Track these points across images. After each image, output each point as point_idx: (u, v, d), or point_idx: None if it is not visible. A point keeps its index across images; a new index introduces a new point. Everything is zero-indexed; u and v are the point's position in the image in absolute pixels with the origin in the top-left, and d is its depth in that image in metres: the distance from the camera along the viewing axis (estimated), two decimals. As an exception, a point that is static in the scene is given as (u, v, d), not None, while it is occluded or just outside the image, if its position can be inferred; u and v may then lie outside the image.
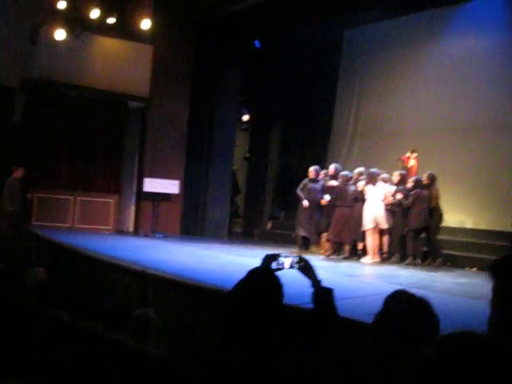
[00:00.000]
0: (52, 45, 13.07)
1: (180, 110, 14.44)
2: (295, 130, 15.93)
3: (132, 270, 7.43)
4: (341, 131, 15.16)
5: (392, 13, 13.27)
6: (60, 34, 13.01)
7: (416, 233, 10.02)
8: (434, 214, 10.09)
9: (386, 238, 10.31)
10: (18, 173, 12.26)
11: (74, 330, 3.37)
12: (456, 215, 11.75)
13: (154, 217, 13.94)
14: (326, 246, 11.09)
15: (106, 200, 13.91)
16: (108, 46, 13.96)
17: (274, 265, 3.02)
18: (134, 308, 5.45)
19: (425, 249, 10.23)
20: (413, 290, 2.27)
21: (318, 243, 11.16)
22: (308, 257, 3.12)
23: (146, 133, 14.33)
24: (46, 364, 2.87)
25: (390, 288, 2.28)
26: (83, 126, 13.76)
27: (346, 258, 10.41)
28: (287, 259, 3.03)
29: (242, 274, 2.58)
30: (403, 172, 10.73)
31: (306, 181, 11.24)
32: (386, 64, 14.19)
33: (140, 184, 14.09)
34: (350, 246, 10.56)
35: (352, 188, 10.49)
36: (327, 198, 10.79)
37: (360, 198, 10.32)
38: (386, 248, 10.33)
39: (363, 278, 8.63)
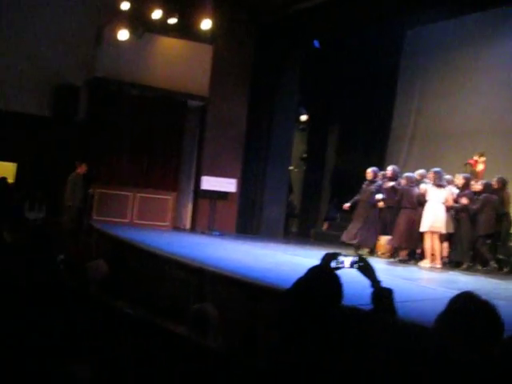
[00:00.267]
0: (115, 45, 13.39)
1: (238, 109, 14.54)
2: (353, 131, 15.79)
3: (190, 265, 7.53)
4: (400, 132, 14.92)
5: (454, 12, 12.95)
6: (123, 35, 13.32)
7: (486, 239, 9.67)
8: (505, 219, 9.75)
9: (445, 244, 10.04)
10: (82, 168, 12.60)
11: (135, 321, 3.45)
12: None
13: (210, 214, 14.09)
14: (383, 248, 10.95)
15: (165, 197, 14.14)
16: (169, 45, 14.20)
17: (333, 264, 3.01)
18: (191, 303, 5.53)
19: (500, 256, 9.88)
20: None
21: (372, 246, 10.97)
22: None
23: (205, 131, 14.50)
24: (108, 352, 2.96)
25: (449, 293, 2.24)
26: (144, 123, 14.03)
27: (402, 261, 10.18)
28: (347, 258, 3.02)
29: (298, 273, 2.58)
30: (467, 175, 10.35)
31: (365, 182, 11.10)
32: (447, 64, 13.89)
33: (197, 182, 14.27)
34: (409, 249, 10.32)
35: (416, 190, 10.25)
36: (379, 196, 10.61)
37: (422, 201, 10.05)
38: (445, 253, 10.08)
39: (421, 282, 8.47)
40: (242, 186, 14.51)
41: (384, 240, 10.95)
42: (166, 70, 14.02)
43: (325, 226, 15.41)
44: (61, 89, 13.56)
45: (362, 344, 2.61)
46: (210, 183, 13.92)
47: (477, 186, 9.98)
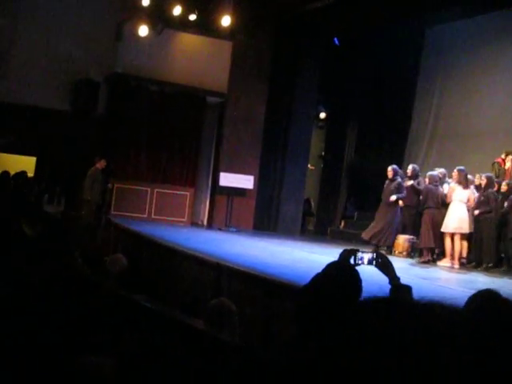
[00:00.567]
0: (135, 41, 13.47)
1: (257, 106, 14.54)
2: (372, 129, 15.72)
3: (207, 261, 7.56)
4: (419, 131, 14.83)
5: (474, 11, 12.83)
6: (143, 31, 13.39)
7: None
8: None
9: (465, 244, 9.95)
10: (101, 163, 12.68)
11: (153, 315, 3.48)
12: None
13: (228, 211, 14.12)
14: (400, 247, 10.88)
15: (182, 193, 14.19)
16: (188, 42, 14.24)
17: (351, 260, 3.00)
18: (208, 298, 5.55)
19: None
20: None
21: (389, 245, 10.90)
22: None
23: (223, 128, 14.53)
24: (127, 345, 2.99)
25: (468, 293, 2.22)
26: (163, 119, 14.09)
27: (425, 262, 10.07)
28: (365, 255, 3.00)
29: (315, 270, 2.57)
30: (490, 175, 10.15)
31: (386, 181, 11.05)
32: (467, 63, 13.77)
33: (215, 178, 14.30)
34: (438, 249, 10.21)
35: (440, 189, 10.12)
36: (393, 198, 10.57)
37: (447, 201, 9.90)
38: (464, 253, 9.98)
39: (439, 282, 8.42)
40: (259, 182, 14.51)
41: (402, 239, 10.88)
42: (186, 66, 14.06)
43: (342, 224, 15.37)
44: (81, 84, 13.66)
45: (381, 337, 2.59)
46: (227, 180, 13.95)
47: (503, 186, 9.81)
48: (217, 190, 14.30)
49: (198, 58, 14.18)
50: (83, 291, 4.59)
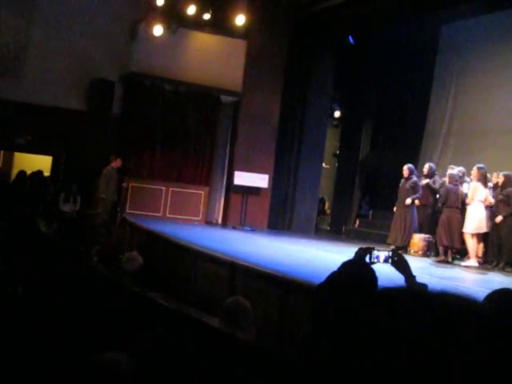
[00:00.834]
0: (150, 40, 13.51)
1: (272, 105, 14.53)
2: (387, 128, 15.65)
3: (221, 259, 7.57)
4: (435, 129, 14.72)
5: (490, 7, 12.72)
6: (158, 30, 13.43)
7: None
8: None
9: (481, 243, 9.87)
10: (116, 162, 12.74)
11: (168, 312, 3.49)
12: None
13: (242, 210, 14.14)
14: (416, 246, 10.82)
15: (197, 191, 14.22)
16: (203, 41, 14.26)
17: (367, 258, 2.99)
18: (222, 296, 5.56)
19: None
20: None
21: (405, 244, 10.85)
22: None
23: (238, 127, 14.53)
24: (144, 342, 2.99)
25: (484, 292, 2.20)
26: (178, 118, 14.12)
27: (445, 262, 9.99)
28: (381, 253, 2.99)
29: (330, 269, 2.57)
30: (508, 173, 9.96)
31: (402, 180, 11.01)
32: (484, 60, 13.64)
33: (230, 177, 14.32)
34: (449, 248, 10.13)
35: (460, 188, 10.00)
36: (408, 201, 10.54)
37: (467, 200, 9.78)
38: (480, 253, 9.91)
39: (455, 281, 8.36)
40: (274, 181, 14.51)
41: (417, 238, 10.82)
42: (200, 65, 14.08)
43: (357, 223, 15.32)
44: (96, 83, 13.74)
45: (394, 334, 2.58)
46: (242, 178, 13.96)
47: None
48: (231, 188, 14.32)
49: (212, 57, 14.19)
50: (99, 289, 4.62)
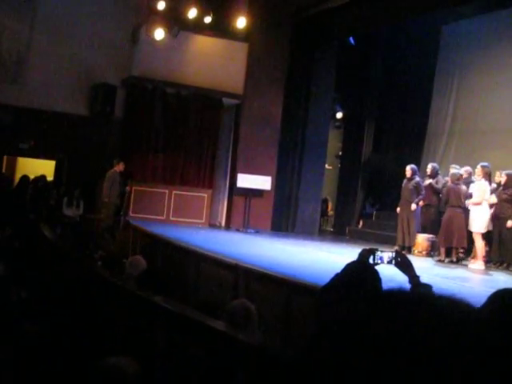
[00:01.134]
0: (151, 44, 13.53)
1: (273, 107, 14.54)
2: (389, 128, 15.65)
3: (225, 262, 7.57)
4: (437, 129, 14.70)
5: (491, 6, 12.70)
6: (159, 34, 13.44)
7: None
8: None
9: (484, 243, 9.82)
10: (119, 166, 12.75)
11: (173, 316, 3.49)
12: None
13: (245, 212, 14.14)
14: (420, 246, 10.81)
15: (200, 194, 14.22)
16: (204, 44, 14.28)
17: (371, 259, 2.98)
18: (226, 298, 5.56)
19: None
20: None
21: (410, 244, 10.84)
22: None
23: (240, 129, 14.55)
24: (149, 345, 3.00)
25: (488, 292, 2.19)
26: (180, 122, 14.15)
27: (453, 262, 9.95)
28: (385, 254, 2.98)
29: (334, 270, 2.57)
30: (510, 172, 9.82)
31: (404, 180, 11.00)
32: (485, 59, 13.62)
33: (233, 179, 14.33)
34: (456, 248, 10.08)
35: (463, 187, 9.96)
36: (414, 207, 10.54)
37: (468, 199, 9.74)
38: (484, 252, 9.86)
39: (459, 281, 8.34)
40: (276, 183, 14.51)
41: (421, 238, 10.81)
42: (202, 68, 14.10)
43: (360, 224, 15.31)
44: (98, 88, 13.78)
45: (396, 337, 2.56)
46: (245, 181, 13.96)
47: None
48: (234, 191, 14.32)
49: (213, 59, 14.21)
50: (103, 293, 4.62)
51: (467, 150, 13.40)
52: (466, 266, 9.73)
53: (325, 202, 17.53)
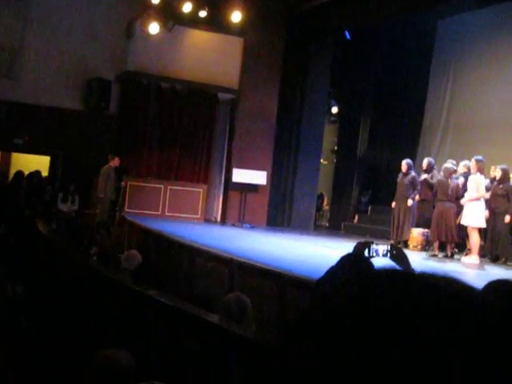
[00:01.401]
0: (146, 38, 13.49)
1: (269, 102, 14.53)
2: (385, 123, 15.65)
3: (220, 256, 7.57)
4: (433, 123, 14.73)
5: (486, 0, 12.70)
6: (153, 28, 13.39)
7: None
8: None
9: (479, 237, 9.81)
10: (114, 161, 12.72)
11: (169, 309, 3.49)
12: None
13: (241, 207, 14.14)
14: (415, 240, 10.83)
15: (195, 189, 14.20)
16: (199, 38, 14.25)
17: (366, 252, 2.99)
18: (222, 292, 5.56)
19: None
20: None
21: (406, 239, 10.85)
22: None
23: (235, 124, 14.53)
24: (145, 338, 2.99)
25: (482, 285, 2.19)
26: (175, 116, 14.12)
27: (448, 257, 9.95)
28: (380, 247, 2.99)
29: (329, 264, 2.57)
30: (505, 167, 9.83)
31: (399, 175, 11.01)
32: (481, 53, 13.64)
33: (228, 174, 14.31)
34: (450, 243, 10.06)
35: (454, 181, 9.91)
36: (410, 203, 10.56)
37: (459, 193, 9.68)
38: (478, 247, 9.85)
39: (454, 275, 8.35)
40: (272, 178, 14.51)
41: (416, 233, 10.83)
42: (197, 62, 14.07)
43: (356, 219, 15.33)
44: (93, 83, 13.73)
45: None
46: (240, 176, 13.95)
47: None
48: (230, 186, 14.31)
49: (209, 54, 14.18)
50: (99, 288, 4.62)
51: (462, 145, 13.42)
52: (459, 259, 9.73)
53: (320, 197, 17.54)
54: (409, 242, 10.89)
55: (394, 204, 11.05)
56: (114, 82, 13.89)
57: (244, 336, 2.97)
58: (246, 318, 3.61)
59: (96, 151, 13.34)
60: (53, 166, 14.39)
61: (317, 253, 9.36)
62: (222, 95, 14.55)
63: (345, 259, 2.61)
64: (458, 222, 9.81)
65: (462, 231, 9.89)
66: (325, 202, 18.27)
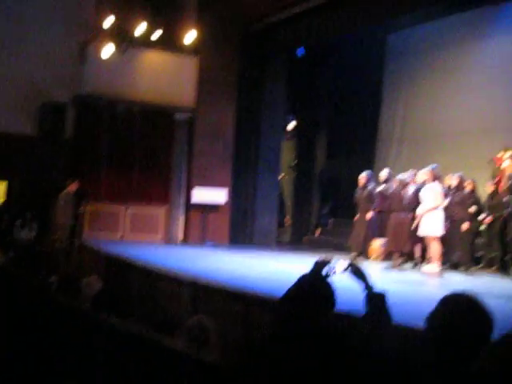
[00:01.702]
0: (100, 61, 13.40)
1: (226, 119, 14.57)
2: (341, 136, 15.85)
3: (183, 279, 7.51)
4: (388, 135, 15.00)
5: (435, 14, 13.05)
6: (107, 51, 13.33)
7: None
8: None
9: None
10: (73, 186, 12.54)
11: (129, 337, 3.44)
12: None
13: (203, 226, 14.08)
14: (375, 252, 10.96)
15: (156, 210, 14.10)
16: (154, 59, 14.23)
17: (324, 270, 3.00)
18: (185, 316, 5.51)
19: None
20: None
21: (363, 252, 10.93)
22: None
23: (193, 143, 14.50)
24: (100, 367, 2.94)
25: (443, 295, 2.24)
26: (133, 138, 14.03)
27: (400, 266, 10.09)
28: (339, 264, 3.01)
29: (291, 281, 2.59)
30: (462, 175, 10.05)
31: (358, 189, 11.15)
32: (432, 66, 13.98)
33: (189, 194, 14.26)
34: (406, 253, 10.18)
35: (409, 192, 10.03)
36: (369, 215, 10.71)
37: (413, 203, 9.81)
38: (439, 255, 9.99)
39: (415, 285, 8.48)
40: (233, 195, 14.51)
41: (377, 244, 10.96)
42: (152, 83, 14.03)
43: (317, 233, 15.43)
44: (47, 107, 13.52)
45: (352, 350, 2.58)
46: (200, 195, 13.91)
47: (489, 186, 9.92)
48: (190, 205, 14.25)
49: (164, 74, 14.17)
50: (58, 317, 4.52)
51: (418, 155, 13.67)
52: (418, 269, 9.83)
53: (282, 212, 17.58)
54: (369, 254, 11.00)
55: (356, 217, 11.18)
56: (69, 106, 13.71)
57: (206, 361, 2.95)
58: (210, 342, 3.59)
59: (54, 176, 13.13)
60: (9, 193, 14.08)
61: (279, 269, 9.37)
62: (179, 115, 14.53)
63: (302, 280, 2.63)
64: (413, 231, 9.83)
65: (418, 242, 9.94)
66: (286, 218, 18.33)
